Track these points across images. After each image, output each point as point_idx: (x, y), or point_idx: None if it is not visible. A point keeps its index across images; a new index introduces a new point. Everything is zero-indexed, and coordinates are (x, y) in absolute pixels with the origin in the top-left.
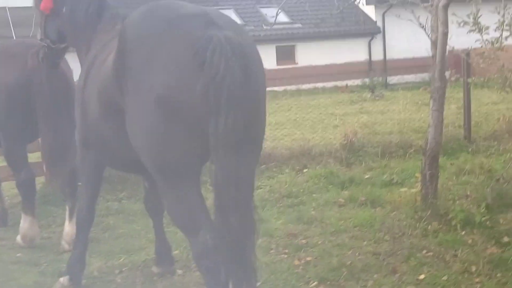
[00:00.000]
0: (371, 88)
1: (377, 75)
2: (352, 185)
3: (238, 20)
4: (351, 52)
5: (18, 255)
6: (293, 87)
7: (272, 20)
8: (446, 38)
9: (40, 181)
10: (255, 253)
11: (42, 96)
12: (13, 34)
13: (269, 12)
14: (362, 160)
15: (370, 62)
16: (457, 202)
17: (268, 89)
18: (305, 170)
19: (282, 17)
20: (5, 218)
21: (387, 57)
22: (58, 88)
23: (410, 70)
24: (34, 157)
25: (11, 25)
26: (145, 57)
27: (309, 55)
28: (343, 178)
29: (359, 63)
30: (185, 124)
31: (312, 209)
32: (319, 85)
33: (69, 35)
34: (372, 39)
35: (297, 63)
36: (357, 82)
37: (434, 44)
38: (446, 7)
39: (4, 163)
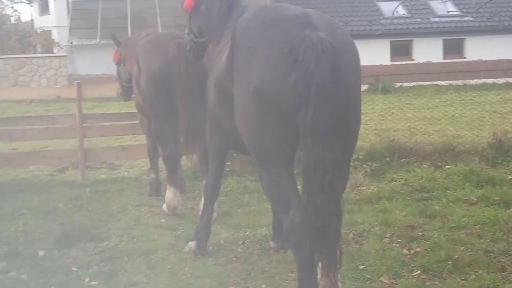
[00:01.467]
0: None
1: None
2: (490, 185)
3: (404, 12)
4: None
5: (161, 220)
6: (459, 82)
7: (440, 12)
8: None
9: (192, 158)
10: (339, 236)
11: (180, 83)
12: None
13: (436, 5)
14: (510, 161)
15: None
16: None
17: (432, 83)
18: (447, 167)
19: (450, 8)
20: (159, 188)
21: None
22: (194, 77)
23: None
24: None
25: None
26: (248, 53)
27: (479, 49)
28: (483, 177)
29: None
30: (278, 114)
31: (440, 204)
32: (489, 81)
33: (206, 31)
34: None
35: (465, 57)
36: None
37: None
38: None
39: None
